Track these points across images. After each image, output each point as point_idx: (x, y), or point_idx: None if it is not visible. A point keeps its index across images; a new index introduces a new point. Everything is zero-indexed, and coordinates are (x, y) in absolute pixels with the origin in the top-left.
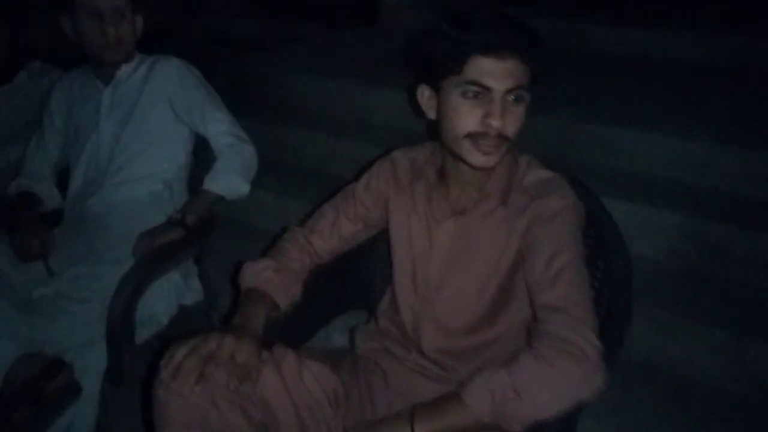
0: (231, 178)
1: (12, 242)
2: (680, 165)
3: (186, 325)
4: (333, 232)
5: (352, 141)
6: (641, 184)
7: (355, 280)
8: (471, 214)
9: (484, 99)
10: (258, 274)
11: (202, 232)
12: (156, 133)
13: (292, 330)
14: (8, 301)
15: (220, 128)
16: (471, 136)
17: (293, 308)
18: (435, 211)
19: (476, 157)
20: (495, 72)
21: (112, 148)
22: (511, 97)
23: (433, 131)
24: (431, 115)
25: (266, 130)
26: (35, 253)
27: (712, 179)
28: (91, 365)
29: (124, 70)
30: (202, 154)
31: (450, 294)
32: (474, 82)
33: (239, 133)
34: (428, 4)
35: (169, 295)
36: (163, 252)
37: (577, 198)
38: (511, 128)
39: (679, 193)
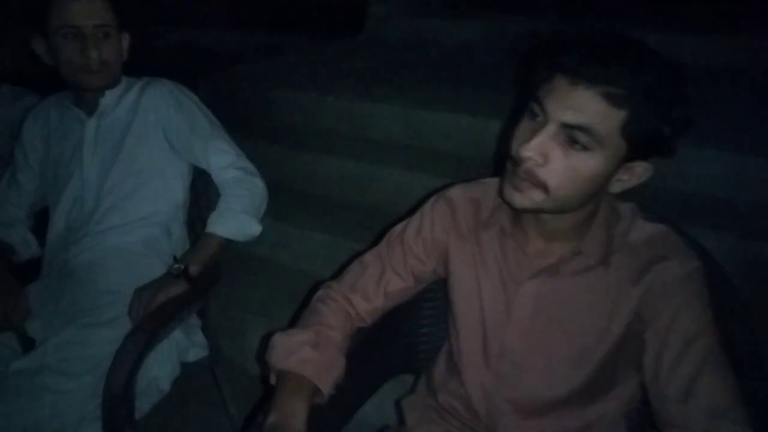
0: (240, 218)
1: None
2: None
3: (188, 385)
4: (378, 289)
5: (352, 160)
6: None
7: (397, 341)
8: (560, 274)
9: None
10: (293, 352)
11: (208, 283)
12: (149, 169)
13: (331, 412)
14: None
15: (224, 160)
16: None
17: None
18: (513, 268)
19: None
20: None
21: (98, 188)
22: None
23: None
24: None
25: (256, 150)
26: (5, 323)
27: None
28: None
29: (110, 97)
30: (201, 188)
31: (534, 371)
32: None
33: (245, 164)
34: (416, 12)
35: (170, 355)
36: (166, 311)
37: (698, 257)
38: None
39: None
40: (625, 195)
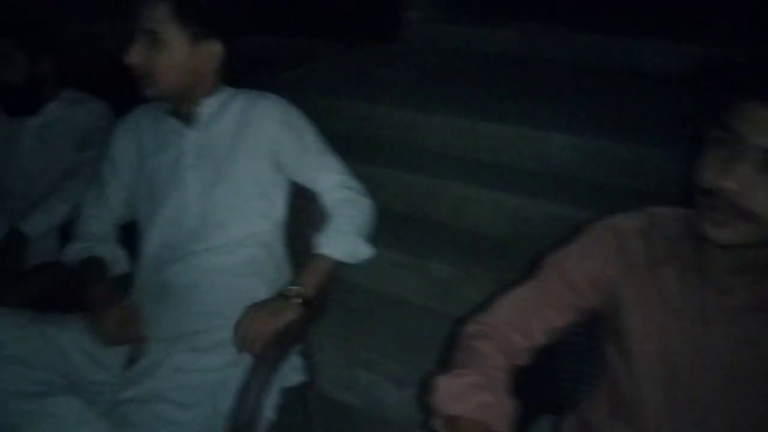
0: (351, 240)
1: (94, 325)
2: None
3: (283, 411)
4: (539, 326)
5: (408, 172)
6: None
7: (540, 380)
8: (757, 311)
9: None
10: (466, 395)
11: (321, 307)
12: (255, 188)
13: None
14: (83, 400)
15: (333, 180)
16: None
17: None
18: (701, 307)
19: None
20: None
21: (201, 206)
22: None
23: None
24: None
25: None
26: (123, 336)
27: None
28: None
29: (206, 106)
30: (300, 206)
31: (724, 417)
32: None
33: (354, 184)
34: (452, 19)
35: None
36: (287, 339)
37: None
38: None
39: None
40: None
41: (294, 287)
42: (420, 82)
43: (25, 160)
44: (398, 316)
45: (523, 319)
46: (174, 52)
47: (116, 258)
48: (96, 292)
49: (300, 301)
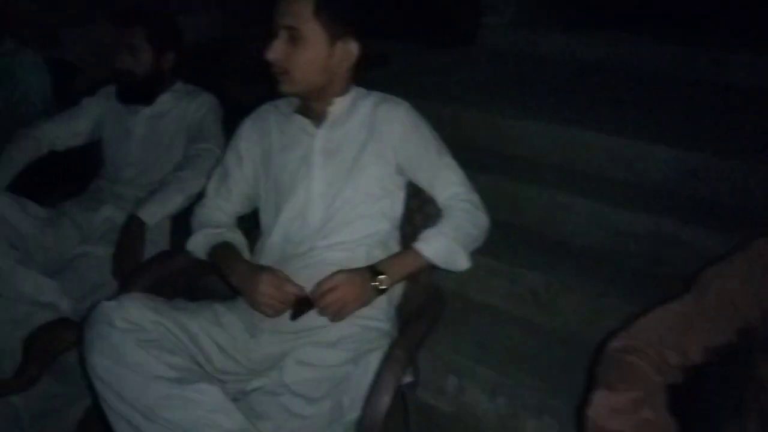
0: (451, 247)
1: (252, 298)
2: None
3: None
4: (694, 343)
5: (503, 177)
6: None
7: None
8: None
9: None
10: (628, 411)
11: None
12: (378, 187)
13: None
14: (221, 387)
15: (453, 191)
16: None
17: None
18: None
19: None
20: None
21: (327, 204)
22: None
23: None
24: None
25: None
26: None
27: None
28: None
29: (339, 106)
30: (415, 206)
31: None
32: None
33: (473, 197)
34: (532, 26)
35: None
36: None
37: None
38: None
39: None
40: None
41: (383, 276)
42: (504, 86)
43: (136, 148)
44: (489, 323)
45: (678, 336)
46: (313, 49)
47: (243, 247)
48: (242, 267)
49: (379, 287)
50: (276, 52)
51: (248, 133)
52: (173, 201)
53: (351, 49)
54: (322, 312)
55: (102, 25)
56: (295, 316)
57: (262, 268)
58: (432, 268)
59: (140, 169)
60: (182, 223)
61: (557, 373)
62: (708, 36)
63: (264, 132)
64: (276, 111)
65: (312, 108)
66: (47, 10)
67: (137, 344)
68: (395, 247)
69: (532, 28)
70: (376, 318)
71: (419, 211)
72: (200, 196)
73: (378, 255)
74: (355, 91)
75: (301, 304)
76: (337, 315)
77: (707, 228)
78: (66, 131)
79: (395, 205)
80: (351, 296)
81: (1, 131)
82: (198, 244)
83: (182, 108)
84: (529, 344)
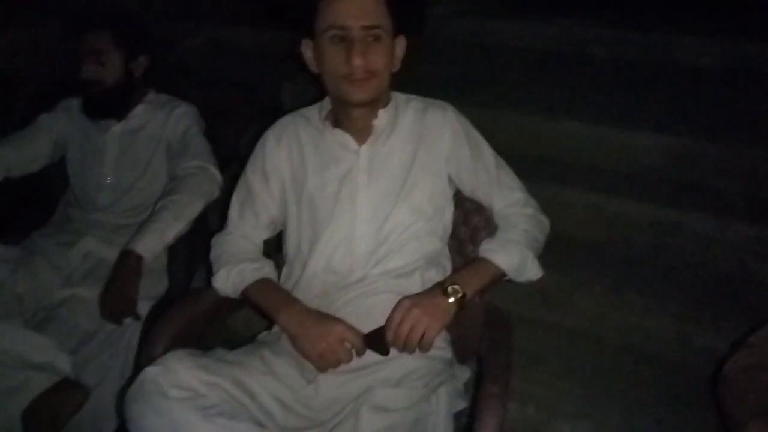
0: (524, 255)
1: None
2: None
3: None
4: None
5: None
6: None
7: None
8: None
9: None
10: None
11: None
12: (431, 204)
13: None
14: None
15: (513, 197)
16: None
17: None
18: None
19: None
20: None
21: (375, 227)
22: None
23: None
24: None
25: None
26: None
27: None
28: None
29: (384, 118)
30: (472, 207)
31: None
32: None
33: (534, 202)
34: (476, 13)
35: None
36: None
37: None
38: None
39: None
40: None
41: (456, 286)
42: (467, 78)
43: (109, 170)
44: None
45: None
46: (390, 47)
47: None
48: (299, 313)
49: (457, 299)
50: (364, 56)
51: (274, 149)
52: (171, 229)
53: (402, 44)
54: (403, 347)
55: (35, 28)
56: (383, 351)
57: (328, 317)
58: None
59: (117, 194)
60: (177, 249)
61: (586, 375)
62: (657, 20)
63: (294, 147)
64: (306, 123)
65: (354, 121)
66: None
67: (199, 414)
68: (448, 265)
69: (476, 18)
70: (438, 346)
71: (464, 223)
72: (198, 220)
73: (433, 277)
74: (395, 99)
75: (374, 342)
76: (423, 346)
77: (699, 211)
78: (22, 156)
79: (446, 220)
80: (429, 320)
81: None
82: (229, 281)
83: (159, 121)
84: (549, 346)
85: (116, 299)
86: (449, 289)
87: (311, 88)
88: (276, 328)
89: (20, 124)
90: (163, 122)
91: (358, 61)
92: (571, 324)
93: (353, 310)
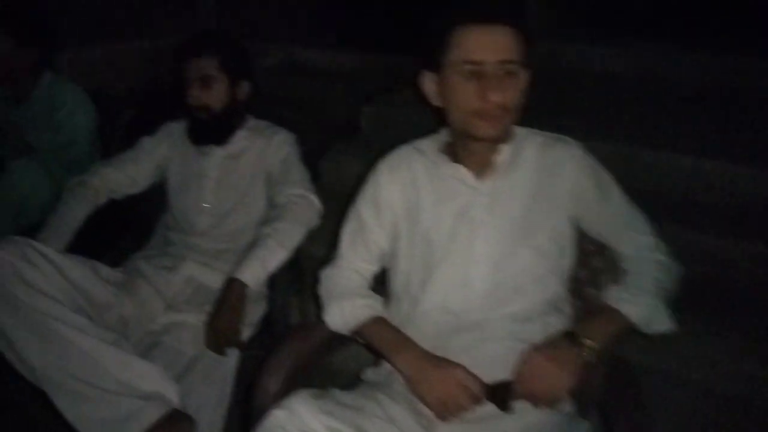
0: (655, 306)
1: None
2: None
3: None
4: None
5: None
6: None
7: None
8: None
9: None
10: None
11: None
12: (554, 245)
13: None
14: None
15: (643, 242)
16: None
17: None
18: None
19: None
20: None
21: (495, 268)
22: None
23: None
24: None
25: None
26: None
27: None
28: None
29: (507, 154)
30: (593, 246)
31: None
32: None
33: (666, 248)
34: (554, 36)
35: None
36: None
37: None
38: None
39: None
40: None
41: (589, 342)
42: (551, 103)
43: (210, 195)
44: None
45: None
46: (521, 82)
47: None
48: (417, 356)
49: (591, 353)
50: (500, 92)
51: (389, 182)
52: (275, 257)
53: (528, 77)
54: (530, 400)
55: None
56: (504, 407)
57: (447, 361)
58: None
59: (215, 219)
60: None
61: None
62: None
63: (409, 181)
64: (422, 156)
65: (475, 155)
66: None
67: None
68: (568, 309)
69: (555, 40)
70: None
71: (584, 266)
72: (298, 250)
73: (554, 323)
74: (517, 133)
75: (498, 394)
76: (550, 401)
77: None
78: (127, 177)
79: (567, 262)
80: (563, 375)
81: (49, 180)
82: (341, 317)
83: (259, 147)
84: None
85: (222, 328)
86: (585, 342)
87: (392, 111)
88: (384, 367)
89: (120, 145)
90: (263, 149)
91: (495, 98)
92: (675, 368)
93: (472, 355)
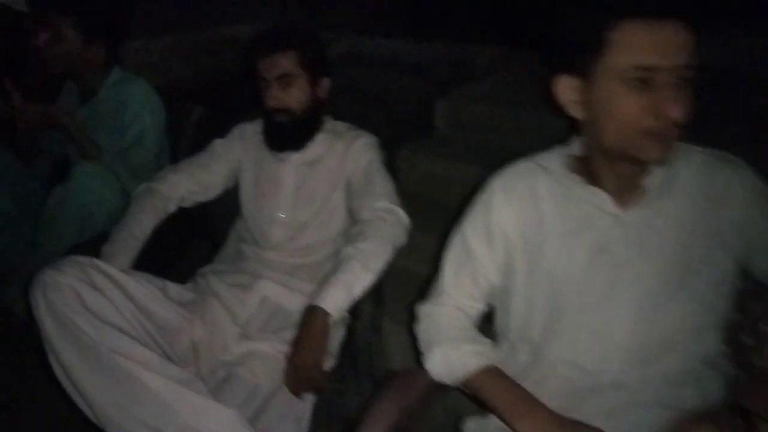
0: None
1: None
2: None
3: None
4: None
5: None
6: None
7: None
8: None
9: None
10: None
11: None
12: (716, 293)
13: None
14: None
15: None
16: None
17: None
18: None
19: None
20: None
21: (645, 318)
22: None
23: None
24: None
25: None
26: None
27: None
28: None
29: (658, 175)
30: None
31: None
32: None
33: None
34: None
35: None
36: None
37: None
38: None
39: None
40: None
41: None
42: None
43: (284, 204)
44: None
45: None
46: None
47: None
48: (544, 418)
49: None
50: (680, 106)
51: (503, 205)
52: (361, 282)
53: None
54: None
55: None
56: None
57: (586, 428)
58: None
59: (291, 231)
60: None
61: None
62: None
63: (530, 205)
64: (547, 174)
65: (619, 177)
66: None
67: None
68: (726, 367)
69: None
70: None
71: (739, 310)
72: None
73: (712, 387)
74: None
75: None
76: None
77: None
78: (197, 184)
79: (727, 310)
80: None
81: (116, 186)
82: (447, 365)
83: (338, 153)
84: None
85: (303, 365)
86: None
87: (469, 106)
88: (492, 421)
89: (190, 146)
90: (343, 154)
91: (674, 114)
92: None
93: (614, 423)
